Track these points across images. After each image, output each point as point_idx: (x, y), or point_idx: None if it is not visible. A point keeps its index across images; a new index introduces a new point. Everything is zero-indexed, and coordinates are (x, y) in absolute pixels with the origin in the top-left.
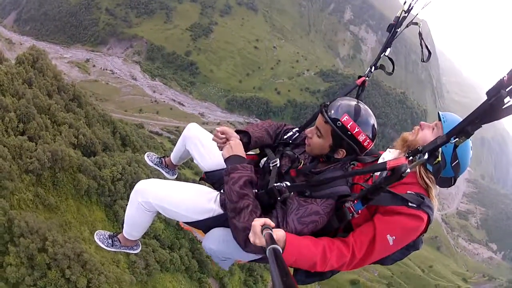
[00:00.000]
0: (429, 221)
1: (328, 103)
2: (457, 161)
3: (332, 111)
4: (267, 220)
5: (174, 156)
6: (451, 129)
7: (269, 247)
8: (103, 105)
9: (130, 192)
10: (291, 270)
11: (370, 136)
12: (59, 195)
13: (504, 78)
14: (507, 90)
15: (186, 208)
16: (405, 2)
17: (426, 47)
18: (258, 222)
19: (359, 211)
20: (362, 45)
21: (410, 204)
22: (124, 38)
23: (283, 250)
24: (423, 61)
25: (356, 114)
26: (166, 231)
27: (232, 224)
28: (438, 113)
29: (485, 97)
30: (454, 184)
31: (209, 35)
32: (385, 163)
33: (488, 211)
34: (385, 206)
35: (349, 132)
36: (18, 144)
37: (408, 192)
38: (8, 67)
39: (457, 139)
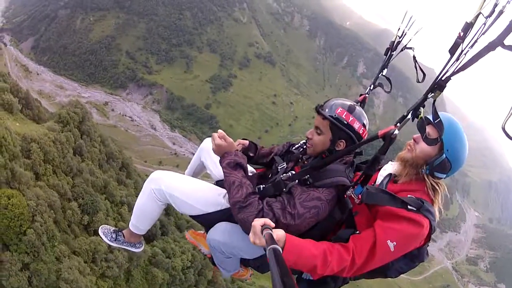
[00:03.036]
0: (431, 227)
1: (323, 103)
2: (438, 119)
3: (327, 109)
4: (267, 220)
5: (189, 170)
6: (428, 88)
7: (269, 247)
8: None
9: (200, 279)
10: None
11: (364, 128)
12: None
13: (460, 33)
14: (463, 41)
15: (195, 200)
16: (399, 29)
17: (421, 69)
18: (258, 222)
19: (359, 196)
20: (375, 99)
21: (409, 207)
22: (144, 84)
23: (282, 249)
24: (418, 82)
25: (350, 109)
26: None
27: (229, 203)
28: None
29: (490, 138)
30: (439, 142)
31: (228, 88)
32: (376, 133)
33: (496, 254)
34: (384, 206)
35: (345, 121)
36: (91, 248)
37: (408, 196)
38: (54, 131)
39: (432, 94)
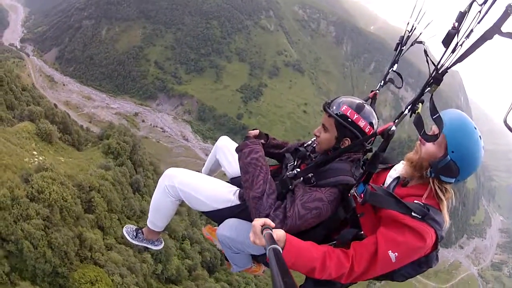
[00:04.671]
0: (437, 237)
1: (331, 101)
2: (437, 114)
3: (334, 107)
4: (267, 220)
5: (205, 168)
6: (425, 83)
7: (269, 247)
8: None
9: None
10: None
11: (370, 126)
12: None
13: (454, 24)
14: (458, 31)
15: (207, 196)
16: (408, 23)
17: (433, 63)
18: (258, 222)
19: (361, 195)
20: (403, 104)
21: (413, 214)
22: (174, 95)
23: (282, 249)
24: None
25: (357, 108)
26: None
27: (247, 196)
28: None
29: None
30: (438, 138)
31: (259, 97)
32: (375, 131)
33: None
34: (388, 210)
35: (349, 119)
36: None
37: (415, 201)
38: (109, 169)
39: (429, 88)
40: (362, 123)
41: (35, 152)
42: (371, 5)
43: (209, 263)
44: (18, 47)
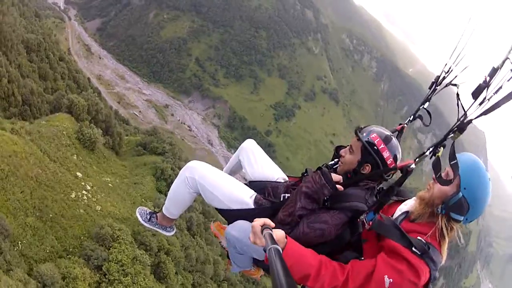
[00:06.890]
0: (430, 277)
1: (363, 127)
2: (455, 160)
3: (364, 133)
4: (267, 220)
5: (226, 168)
6: (449, 129)
7: (269, 247)
8: None
9: None
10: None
11: (393, 159)
12: None
13: (486, 78)
14: (488, 86)
15: (223, 194)
16: (446, 64)
17: (463, 107)
18: (258, 222)
19: (370, 222)
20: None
21: (414, 249)
22: (208, 96)
23: (282, 250)
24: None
25: (386, 139)
26: None
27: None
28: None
29: None
30: (452, 183)
31: (291, 118)
32: (396, 165)
33: None
34: (391, 240)
35: (375, 147)
36: None
37: (418, 238)
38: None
39: (452, 135)
40: (386, 154)
41: (79, 174)
42: (414, 46)
43: None
44: (62, 7)
